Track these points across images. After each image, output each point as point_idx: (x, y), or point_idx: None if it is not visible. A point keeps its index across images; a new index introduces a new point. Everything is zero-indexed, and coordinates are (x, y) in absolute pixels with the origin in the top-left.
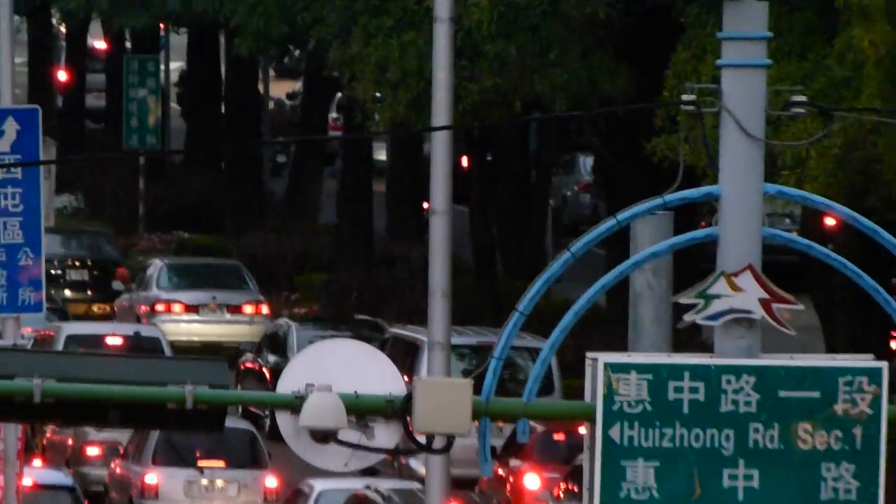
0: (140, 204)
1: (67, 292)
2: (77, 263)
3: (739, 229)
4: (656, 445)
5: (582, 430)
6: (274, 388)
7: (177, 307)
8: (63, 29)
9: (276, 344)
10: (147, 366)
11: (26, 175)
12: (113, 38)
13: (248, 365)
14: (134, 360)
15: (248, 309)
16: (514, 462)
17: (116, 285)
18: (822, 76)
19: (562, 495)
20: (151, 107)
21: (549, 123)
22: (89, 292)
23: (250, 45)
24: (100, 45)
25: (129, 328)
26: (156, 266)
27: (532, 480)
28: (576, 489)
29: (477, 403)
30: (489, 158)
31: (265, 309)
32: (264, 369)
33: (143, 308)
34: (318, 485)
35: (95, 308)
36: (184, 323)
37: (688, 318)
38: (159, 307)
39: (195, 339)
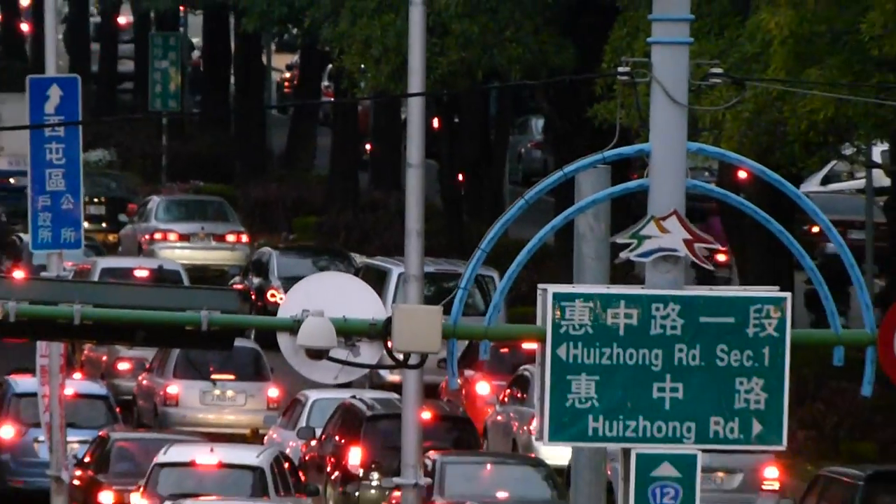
0: (163, 157)
1: (86, 224)
2: (95, 200)
3: (666, 180)
4: (596, 363)
5: (525, 345)
6: (260, 306)
7: (171, 236)
8: (94, 9)
9: (259, 268)
10: (169, 294)
11: (68, 133)
12: (139, 16)
13: (237, 287)
14: (158, 289)
15: (231, 238)
16: (468, 372)
17: (122, 218)
18: (736, 52)
19: (506, 399)
20: (172, 76)
21: (506, 91)
22: (103, 224)
23: (255, 23)
24: (126, 21)
25: (154, 262)
26: (154, 201)
27: (483, 387)
28: (518, 395)
29: (446, 327)
30: (455, 120)
31: (245, 238)
32: (251, 291)
33: (143, 237)
34: (313, 395)
35: (110, 237)
36: (177, 249)
37: (623, 255)
38: (157, 236)
39: (185, 262)
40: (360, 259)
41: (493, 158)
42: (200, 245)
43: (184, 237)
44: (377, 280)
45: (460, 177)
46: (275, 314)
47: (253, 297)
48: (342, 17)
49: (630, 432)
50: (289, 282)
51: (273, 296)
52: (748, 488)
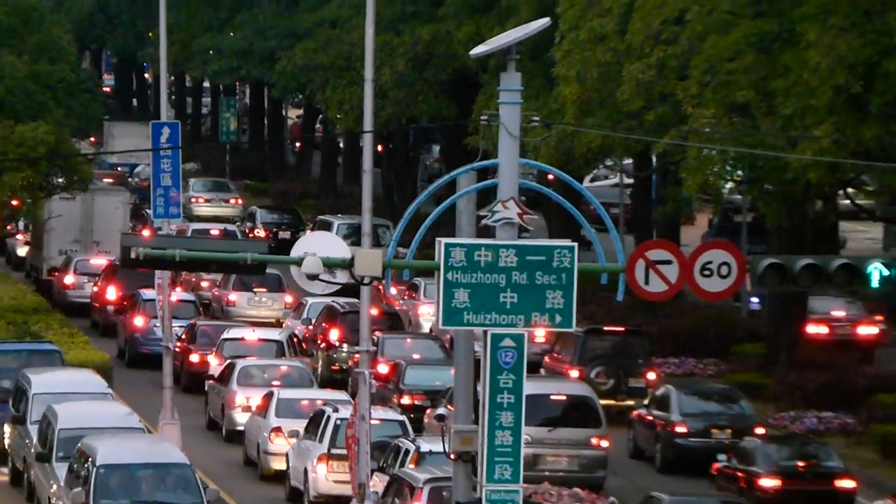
0: (226, 167)
1: None
2: None
3: (507, 180)
4: (468, 282)
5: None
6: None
7: (200, 199)
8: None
9: (251, 217)
10: (229, 244)
11: (173, 154)
12: (214, 85)
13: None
14: (223, 241)
15: (231, 201)
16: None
17: None
18: (546, 108)
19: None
20: (231, 121)
21: (418, 129)
22: None
23: (279, 92)
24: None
25: (221, 226)
26: (190, 182)
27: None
28: (413, 296)
29: (385, 262)
30: (390, 146)
31: (240, 201)
32: (246, 230)
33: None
34: (310, 300)
35: None
36: (203, 206)
37: (483, 222)
38: (192, 200)
39: (206, 213)
40: (318, 217)
41: (411, 167)
42: (214, 205)
43: (207, 200)
44: (325, 227)
45: (393, 178)
46: (268, 248)
47: (248, 233)
48: (327, 88)
49: (487, 321)
50: (268, 225)
51: (257, 234)
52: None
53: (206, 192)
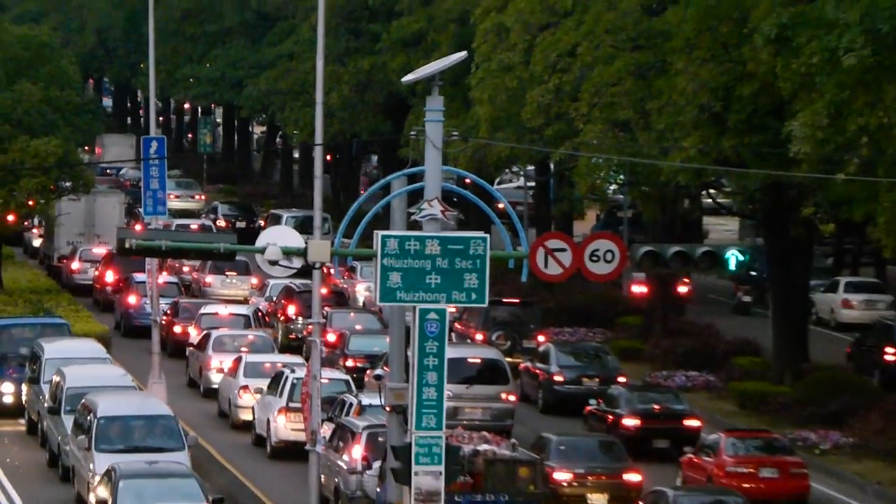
0: (203, 172)
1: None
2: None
3: (432, 183)
4: (400, 267)
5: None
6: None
7: (171, 196)
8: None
9: (214, 210)
10: (205, 237)
11: (160, 165)
12: (193, 107)
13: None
14: (201, 234)
15: (197, 197)
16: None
17: None
18: (464, 124)
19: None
20: (207, 137)
21: (360, 143)
22: None
23: (247, 112)
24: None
25: (200, 222)
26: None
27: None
28: (351, 275)
29: (332, 250)
30: (337, 156)
31: (203, 197)
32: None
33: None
34: (272, 281)
35: None
36: (174, 202)
37: (413, 217)
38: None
39: (177, 208)
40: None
41: (353, 173)
42: (183, 200)
43: (177, 196)
44: (276, 219)
45: (339, 182)
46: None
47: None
48: (286, 109)
49: (416, 298)
50: (228, 217)
51: (218, 223)
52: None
53: (176, 190)
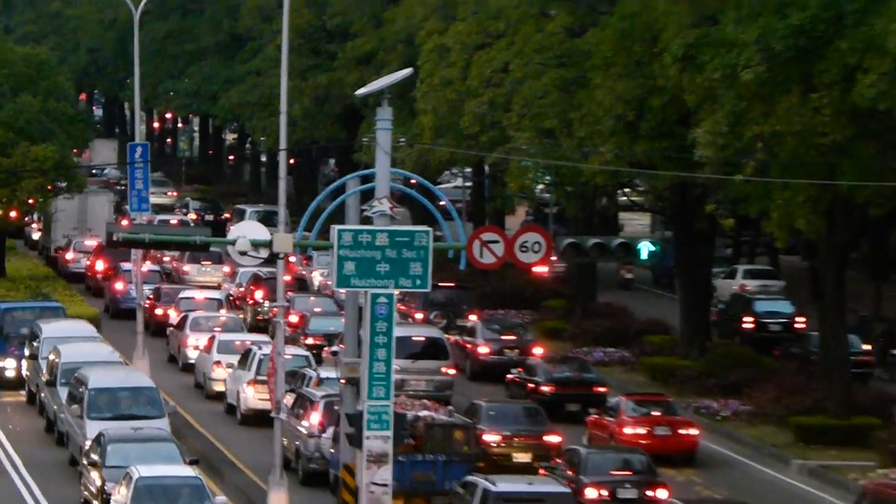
0: (182, 174)
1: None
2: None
3: (382, 183)
4: (355, 257)
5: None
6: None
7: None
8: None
9: (186, 205)
10: (183, 230)
11: (144, 167)
12: (174, 118)
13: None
14: (179, 228)
15: (171, 193)
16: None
17: None
18: (410, 132)
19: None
20: (185, 143)
21: (320, 148)
22: None
23: (220, 122)
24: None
25: (178, 217)
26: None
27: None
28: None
29: (295, 242)
30: (299, 160)
31: (175, 193)
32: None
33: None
34: (242, 269)
35: None
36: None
37: (366, 214)
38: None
39: (153, 203)
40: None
41: (313, 175)
42: (157, 196)
43: (151, 192)
44: (240, 215)
45: (300, 183)
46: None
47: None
48: (254, 119)
49: (368, 284)
50: (197, 210)
51: (189, 216)
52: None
53: (151, 188)
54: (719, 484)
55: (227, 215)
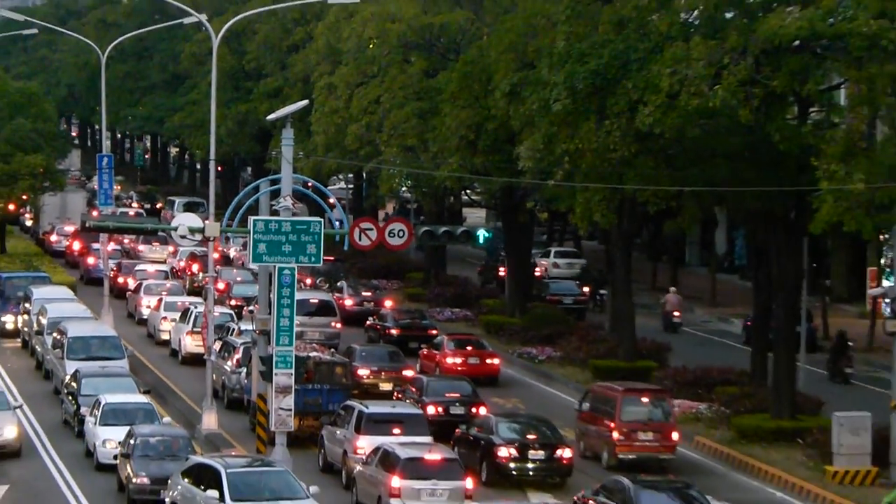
0: (137, 178)
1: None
2: None
3: (286, 185)
4: (265, 240)
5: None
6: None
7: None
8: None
9: (130, 198)
10: (139, 220)
11: (109, 173)
12: (132, 136)
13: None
14: (136, 218)
15: (116, 188)
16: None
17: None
18: (307, 147)
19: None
20: (142, 154)
21: (240, 158)
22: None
23: (166, 139)
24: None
25: (135, 210)
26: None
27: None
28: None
29: (221, 229)
30: (224, 167)
31: (119, 187)
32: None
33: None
34: (182, 248)
35: None
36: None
37: (273, 207)
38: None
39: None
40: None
41: (235, 178)
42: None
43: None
44: (171, 204)
45: (225, 183)
46: (154, 220)
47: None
48: (192, 136)
49: (276, 260)
50: (139, 201)
51: (132, 204)
52: None
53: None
54: (534, 409)
55: (160, 204)
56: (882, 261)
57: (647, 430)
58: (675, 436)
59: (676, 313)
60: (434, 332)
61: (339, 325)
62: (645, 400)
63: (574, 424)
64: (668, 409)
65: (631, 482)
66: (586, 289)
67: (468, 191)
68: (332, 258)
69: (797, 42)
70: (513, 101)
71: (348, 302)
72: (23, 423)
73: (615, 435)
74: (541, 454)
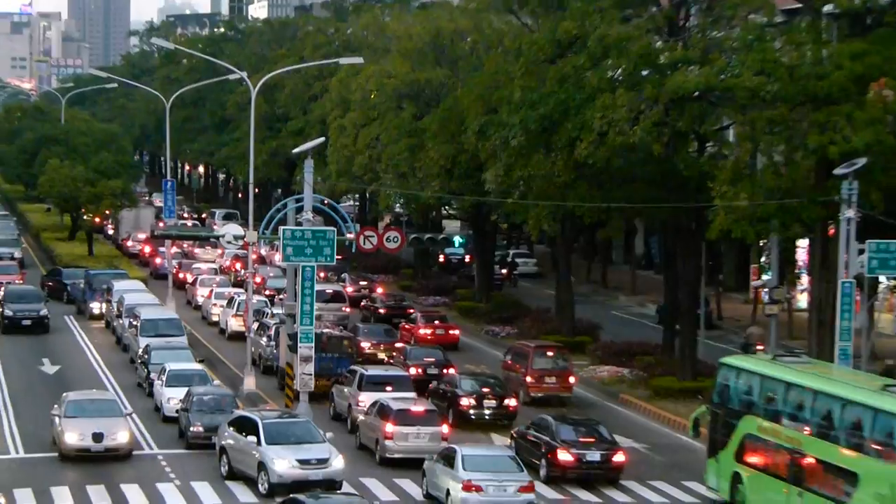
0: (193, 198)
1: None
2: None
3: (308, 202)
4: (293, 244)
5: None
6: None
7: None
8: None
9: (196, 211)
10: (194, 229)
11: (172, 193)
12: (190, 164)
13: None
14: (193, 228)
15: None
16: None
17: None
18: (324, 173)
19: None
20: (196, 178)
21: (272, 183)
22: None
23: (216, 167)
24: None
25: (191, 222)
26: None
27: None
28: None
29: (259, 236)
30: (260, 189)
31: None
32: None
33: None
34: (228, 251)
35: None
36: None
37: (297, 220)
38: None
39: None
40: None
41: (269, 198)
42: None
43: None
44: (212, 215)
45: (261, 200)
46: (208, 229)
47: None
48: (235, 166)
49: (300, 259)
50: (189, 212)
51: (186, 216)
52: None
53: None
54: (497, 372)
55: (205, 215)
56: (762, 259)
57: (552, 375)
58: (571, 380)
59: (760, 346)
60: (411, 310)
61: (347, 309)
62: (550, 354)
63: (500, 372)
64: (566, 360)
65: (553, 419)
66: (504, 271)
67: (446, 207)
68: (340, 257)
69: (696, 93)
70: (480, 139)
71: (349, 289)
72: (133, 429)
73: (528, 379)
74: (493, 403)
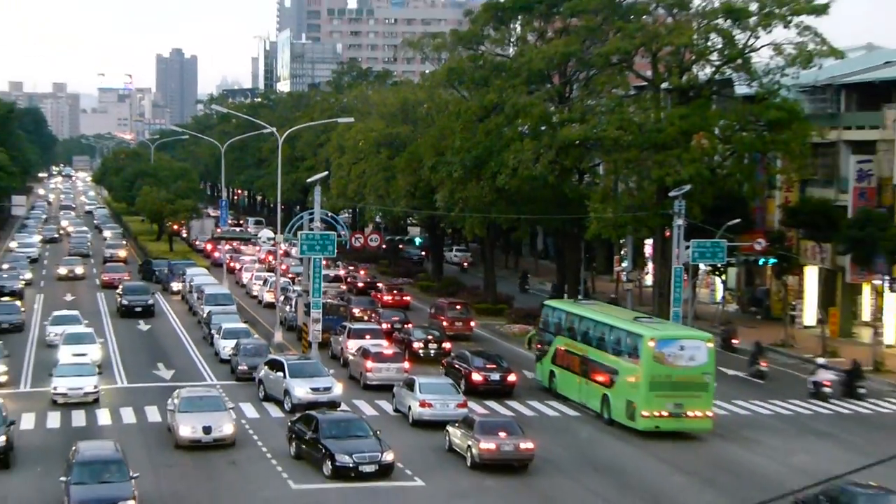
0: (241, 212)
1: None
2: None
3: (317, 216)
4: (308, 242)
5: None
6: None
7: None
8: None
9: (237, 219)
10: (240, 232)
11: (225, 210)
12: (240, 190)
13: None
14: (239, 230)
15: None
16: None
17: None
18: (329, 195)
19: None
20: (243, 198)
21: (293, 202)
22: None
23: (256, 191)
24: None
25: (239, 228)
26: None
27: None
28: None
29: (284, 237)
30: (284, 206)
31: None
32: None
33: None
34: (264, 247)
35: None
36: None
37: (312, 226)
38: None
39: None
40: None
41: (291, 212)
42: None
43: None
44: (247, 222)
45: (284, 213)
46: (251, 233)
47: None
48: (268, 191)
49: (312, 253)
50: (233, 219)
51: (231, 222)
52: None
53: (229, 216)
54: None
55: (241, 221)
56: (622, 252)
57: (460, 321)
58: (472, 324)
59: (827, 386)
60: (380, 284)
61: (344, 287)
62: (458, 307)
63: (426, 320)
64: (469, 311)
65: (469, 352)
66: (423, 253)
67: (411, 218)
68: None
69: (578, 142)
70: (433, 172)
71: (341, 272)
72: (236, 420)
73: (445, 324)
74: (435, 345)
